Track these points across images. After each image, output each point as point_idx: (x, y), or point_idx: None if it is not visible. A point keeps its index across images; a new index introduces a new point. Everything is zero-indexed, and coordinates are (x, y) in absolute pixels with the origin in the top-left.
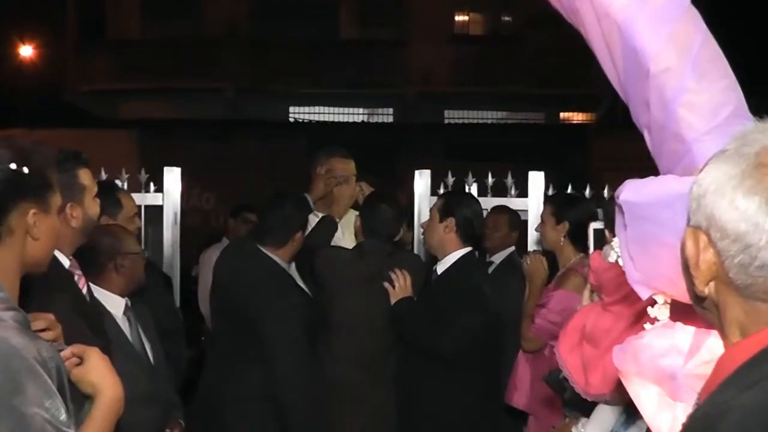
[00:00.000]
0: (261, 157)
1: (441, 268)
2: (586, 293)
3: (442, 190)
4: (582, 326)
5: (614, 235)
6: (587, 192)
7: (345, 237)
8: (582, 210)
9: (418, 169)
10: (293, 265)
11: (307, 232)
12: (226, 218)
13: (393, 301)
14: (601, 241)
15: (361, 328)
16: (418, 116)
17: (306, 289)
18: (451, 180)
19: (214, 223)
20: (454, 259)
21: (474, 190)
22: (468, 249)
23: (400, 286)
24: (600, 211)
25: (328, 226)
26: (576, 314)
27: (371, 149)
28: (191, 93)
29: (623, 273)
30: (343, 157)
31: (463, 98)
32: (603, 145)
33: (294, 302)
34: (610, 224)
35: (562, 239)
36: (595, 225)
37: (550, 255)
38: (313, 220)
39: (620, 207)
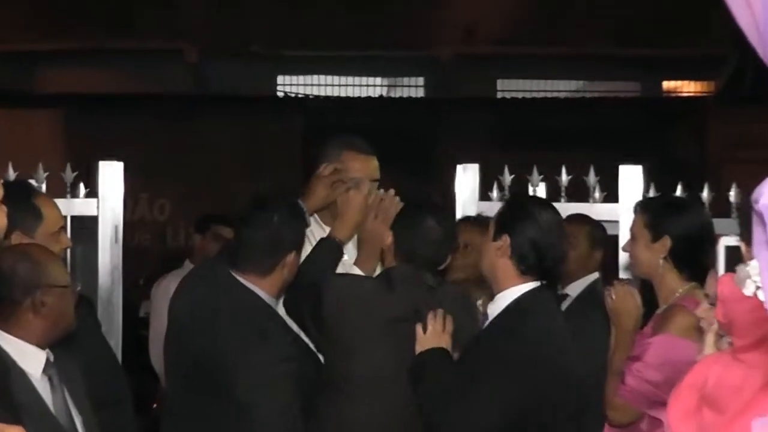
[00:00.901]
0: (237, 148)
1: (493, 309)
2: (710, 337)
3: (495, 193)
4: (702, 384)
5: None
6: (705, 193)
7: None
8: (690, 219)
9: (460, 162)
10: (281, 301)
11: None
12: (189, 234)
13: (418, 349)
14: (735, 262)
15: (388, 392)
16: (459, 88)
17: (301, 335)
18: (508, 178)
19: (172, 241)
20: (511, 299)
21: (541, 191)
22: (532, 284)
23: (434, 330)
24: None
25: (331, 248)
26: (693, 368)
27: (393, 135)
28: (138, 57)
29: (763, 308)
30: (362, 153)
31: (523, 62)
32: (725, 126)
33: (284, 354)
34: (746, 235)
35: (662, 262)
36: (727, 241)
37: (645, 285)
38: (315, 233)
39: (760, 216)
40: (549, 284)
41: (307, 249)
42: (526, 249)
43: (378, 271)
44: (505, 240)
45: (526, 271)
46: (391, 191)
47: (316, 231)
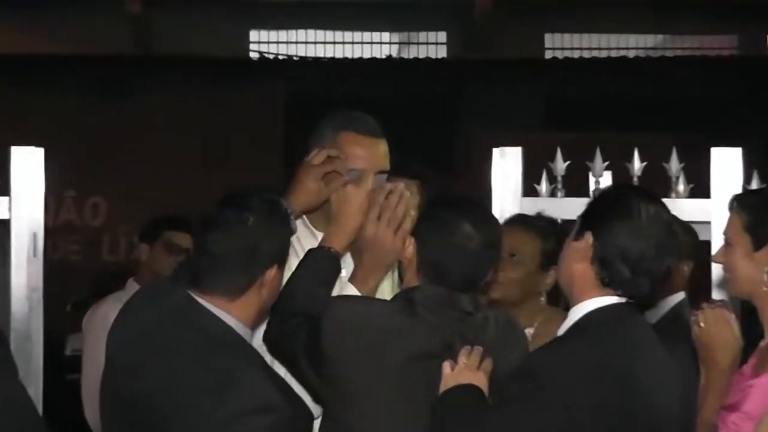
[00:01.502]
0: (196, 128)
1: (562, 328)
2: None
3: (544, 185)
4: None
5: None
6: None
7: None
8: None
9: (496, 144)
10: (260, 331)
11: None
12: (133, 244)
13: (442, 387)
14: None
15: None
16: (494, 46)
17: (286, 378)
18: (560, 165)
19: (109, 253)
20: (583, 313)
21: (606, 183)
22: (614, 299)
23: (466, 366)
24: None
25: (324, 261)
26: None
27: (406, 109)
28: (64, 7)
29: None
30: (365, 135)
31: (579, 11)
32: None
33: (261, 402)
34: None
35: (767, 277)
36: None
37: (746, 308)
38: (304, 241)
39: None
40: (639, 305)
41: (293, 262)
42: (613, 253)
43: (388, 289)
44: (588, 239)
45: (609, 283)
46: (400, 185)
47: (305, 238)
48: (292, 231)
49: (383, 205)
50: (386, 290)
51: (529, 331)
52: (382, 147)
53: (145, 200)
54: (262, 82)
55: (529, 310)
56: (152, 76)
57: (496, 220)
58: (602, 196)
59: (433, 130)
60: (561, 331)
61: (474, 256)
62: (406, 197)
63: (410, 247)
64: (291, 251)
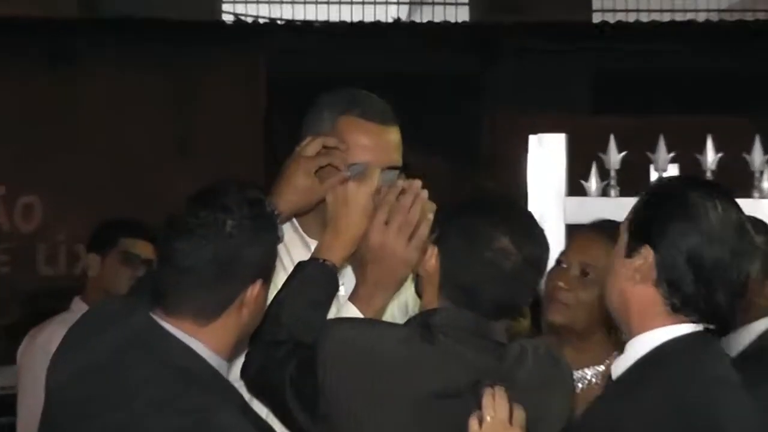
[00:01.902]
0: (156, 109)
1: (618, 368)
2: None
3: (594, 181)
4: None
5: None
6: None
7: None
8: None
9: (532, 130)
10: (238, 363)
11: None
12: (78, 254)
13: None
14: None
15: None
16: (528, 8)
17: (270, 421)
18: (614, 157)
19: (46, 265)
20: (648, 348)
21: (670, 173)
22: (688, 327)
23: (496, 422)
24: None
25: (319, 276)
26: None
27: (418, 87)
28: None
29: None
30: (371, 121)
31: None
32: None
33: None
34: None
35: None
36: None
37: None
38: (293, 251)
39: None
40: (717, 330)
41: (279, 278)
42: (683, 270)
43: (398, 312)
44: (646, 256)
45: (681, 307)
46: (416, 183)
47: (295, 247)
48: (279, 238)
49: (393, 206)
50: (396, 313)
51: (595, 371)
52: (392, 136)
53: (93, 200)
54: (239, 52)
55: (597, 344)
56: (101, 45)
57: (541, 230)
58: (654, 195)
59: (452, 113)
60: (617, 371)
61: (511, 276)
62: (423, 198)
63: (432, 259)
64: (278, 264)
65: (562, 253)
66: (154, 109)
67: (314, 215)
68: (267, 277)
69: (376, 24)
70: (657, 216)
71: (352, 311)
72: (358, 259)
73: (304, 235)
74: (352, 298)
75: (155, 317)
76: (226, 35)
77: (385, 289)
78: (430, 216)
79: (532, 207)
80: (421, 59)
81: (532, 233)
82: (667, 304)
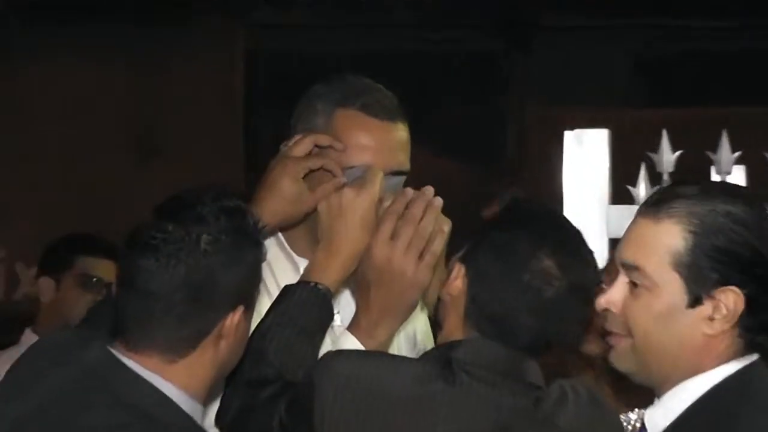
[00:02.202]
0: (120, 100)
1: (657, 416)
2: None
3: (643, 186)
4: None
5: None
6: None
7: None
8: None
9: (570, 126)
10: (213, 407)
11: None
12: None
13: None
14: None
15: None
16: None
17: None
18: (668, 156)
19: None
20: (703, 389)
21: (738, 177)
22: (743, 361)
23: None
24: None
25: (311, 301)
26: None
27: (433, 73)
28: None
29: None
30: (374, 116)
31: None
32: None
33: None
34: None
35: None
36: None
37: None
38: (279, 272)
39: None
40: None
41: (263, 304)
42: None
43: (405, 344)
44: (734, 299)
45: (760, 344)
46: (428, 189)
47: (281, 267)
48: (263, 256)
49: (402, 217)
50: (403, 346)
51: (640, 415)
52: (399, 134)
53: (40, 212)
54: (214, 31)
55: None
56: (45, 23)
57: (591, 251)
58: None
59: (471, 104)
60: (658, 423)
61: (553, 305)
62: (437, 207)
63: (458, 280)
64: (261, 287)
65: (604, 273)
66: (110, 103)
67: (304, 229)
68: (249, 303)
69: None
70: (741, 250)
71: (352, 343)
72: (358, 281)
73: (292, 252)
74: (352, 327)
75: (114, 352)
76: (198, 9)
77: (391, 316)
78: (446, 228)
79: (568, 216)
80: (432, 38)
81: (581, 254)
82: (743, 342)
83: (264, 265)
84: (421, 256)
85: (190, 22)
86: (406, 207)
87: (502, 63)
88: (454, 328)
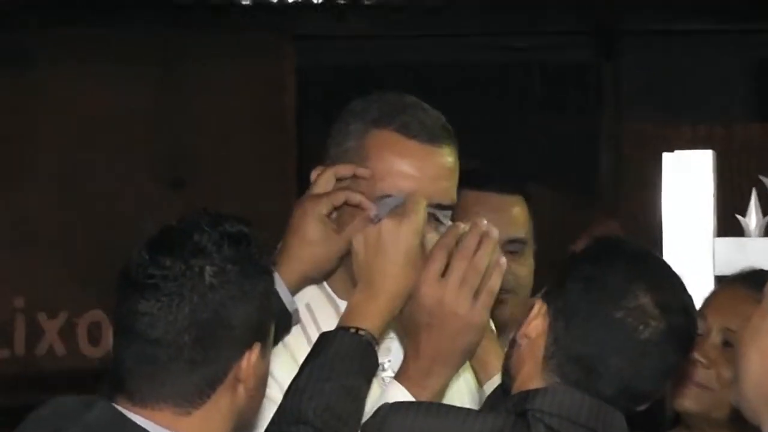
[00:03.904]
0: (140, 124)
1: None
2: None
3: (755, 215)
4: None
5: None
6: None
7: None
8: None
9: (668, 146)
10: None
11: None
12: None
13: None
14: None
15: None
16: None
17: None
18: None
19: None
20: None
21: None
22: None
23: None
24: None
25: (352, 349)
26: None
27: (504, 84)
28: None
29: None
30: (419, 139)
31: None
32: None
33: None
34: None
35: None
36: None
37: None
38: (321, 318)
39: None
40: None
41: (300, 352)
42: None
43: (467, 393)
44: None
45: None
46: (483, 222)
47: (321, 311)
48: (273, 285)
49: (454, 252)
50: (464, 394)
51: None
52: (444, 161)
53: (67, 251)
54: (259, 42)
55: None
56: (63, 33)
57: (690, 295)
58: None
59: (554, 121)
60: None
61: (649, 348)
62: (493, 240)
63: (539, 319)
64: (299, 334)
65: (699, 315)
66: (135, 125)
67: (342, 271)
68: (265, 339)
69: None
70: None
71: (402, 395)
72: (405, 325)
73: (333, 294)
74: (401, 377)
75: (120, 408)
76: (241, 17)
77: (444, 363)
78: (503, 261)
79: (668, 251)
80: (508, 46)
81: (681, 296)
82: None
83: (303, 309)
84: (476, 294)
85: (230, 29)
86: (459, 240)
87: (593, 74)
88: (531, 376)
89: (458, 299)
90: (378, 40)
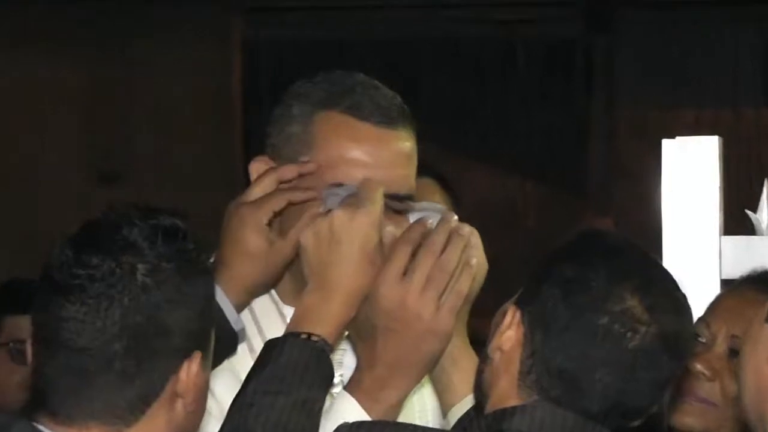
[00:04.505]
0: (69, 110)
1: None
2: None
3: (766, 213)
4: None
5: None
6: None
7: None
8: None
9: (669, 132)
10: None
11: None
12: None
13: None
14: None
15: None
16: None
17: None
18: None
19: None
20: None
21: None
22: None
23: None
24: None
25: (307, 358)
26: None
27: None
28: None
29: None
30: (373, 121)
31: None
32: None
33: None
34: None
35: None
36: None
37: None
38: (267, 325)
39: None
40: None
41: (244, 364)
42: None
43: (430, 406)
44: None
45: None
46: (452, 215)
47: (269, 320)
48: (213, 288)
49: (419, 249)
50: (428, 411)
51: None
52: (401, 145)
53: None
54: (200, 16)
55: None
56: None
57: (684, 295)
58: None
59: (540, 105)
60: None
61: (639, 357)
62: (465, 238)
63: (512, 329)
64: (243, 346)
65: (702, 322)
66: (63, 111)
67: (289, 274)
68: (206, 347)
69: None
70: None
71: (352, 409)
72: (359, 329)
73: (279, 301)
74: (352, 388)
75: (40, 428)
76: None
77: (403, 374)
78: (474, 262)
79: (668, 250)
80: (486, 18)
81: (674, 296)
82: None
83: (247, 317)
84: (441, 297)
85: (168, 7)
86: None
87: (584, 53)
88: (507, 393)
89: (422, 302)
90: (339, 12)
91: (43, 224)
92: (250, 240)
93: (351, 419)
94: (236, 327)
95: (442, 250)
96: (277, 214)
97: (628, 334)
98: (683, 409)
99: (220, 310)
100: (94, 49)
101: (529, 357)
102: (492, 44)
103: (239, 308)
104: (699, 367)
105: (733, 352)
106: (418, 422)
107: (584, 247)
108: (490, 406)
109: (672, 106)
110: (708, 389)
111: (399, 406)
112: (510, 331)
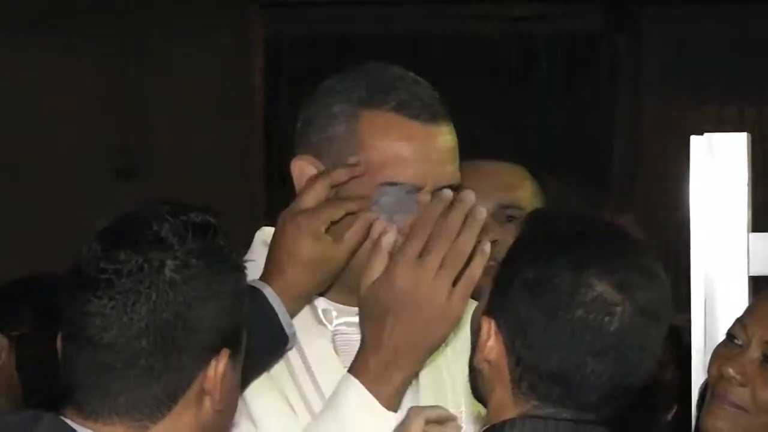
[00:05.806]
0: (87, 105)
1: None
2: None
3: None
4: None
5: None
6: None
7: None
8: None
9: (695, 128)
10: None
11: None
12: None
13: None
14: None
15: None
16: None
17: None
18: None
19: None
20: None
21: None
22: None
23: None
24: None
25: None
26: None
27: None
28: None
29: None
30: (419, 119)
31: None
32: None
33: None
34: None
35: None
36: None
37: None
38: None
39: None
40: None
41: (288, 388)
42: None
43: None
44: None
45: None
46: (469, 194)
47: (307, 334)
48: (244, 285)
49: (435, 231)
50: (429, 391)
51: None
52: (447, 140)
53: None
54: (221, 11)
55: None
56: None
57: (654, 260)
58: None
59: (559, 101)
60: None
61: (622, 338)
62: (480, 221)
63: (491, 341)
64: (282, 366)
65: (739, 323)
66: (80, 106)
67: (344, 280)
68: (235, 345)
69: None
70: None
71: (355, 390)
72: (368, 309)
73: (317, 309)
74: (357, 370)
75: (68, 422)
76: None
77: (409, 357)
78: (487, 248)
79: (696, 248)
80: (506, 15)
81: (640, 266)
82: None
83: (298, 324)
84: (455, 282)
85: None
86: (441, 216)
87: (608, 48)
88: (504, 403)
89: (436, 285)
90: (359, 8)
91: (59, 220)
92: (306, 249)
93: (357, 403)
94: (288, 331)
95: (459, 233)
96: (333, 223)
97: (606, 319)
98: (715, 412)
99: (274, 314)
100: (113, 44)
101: (516, 366)
102: (512, 41)
103: (293, 315)
104: (731, 371)
105: (767, 358)
106: (447, 384)
107: (539, 242)
108: (490, 413)
109: (696, 102)
110: (739, 394)
111: (405, 387)
112: (491, 342)
